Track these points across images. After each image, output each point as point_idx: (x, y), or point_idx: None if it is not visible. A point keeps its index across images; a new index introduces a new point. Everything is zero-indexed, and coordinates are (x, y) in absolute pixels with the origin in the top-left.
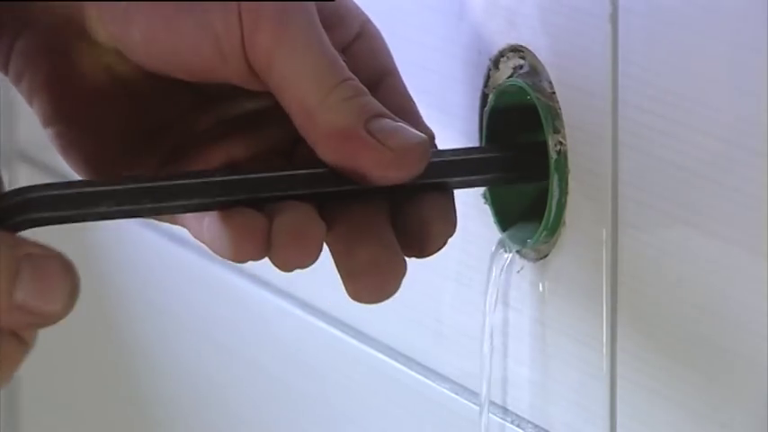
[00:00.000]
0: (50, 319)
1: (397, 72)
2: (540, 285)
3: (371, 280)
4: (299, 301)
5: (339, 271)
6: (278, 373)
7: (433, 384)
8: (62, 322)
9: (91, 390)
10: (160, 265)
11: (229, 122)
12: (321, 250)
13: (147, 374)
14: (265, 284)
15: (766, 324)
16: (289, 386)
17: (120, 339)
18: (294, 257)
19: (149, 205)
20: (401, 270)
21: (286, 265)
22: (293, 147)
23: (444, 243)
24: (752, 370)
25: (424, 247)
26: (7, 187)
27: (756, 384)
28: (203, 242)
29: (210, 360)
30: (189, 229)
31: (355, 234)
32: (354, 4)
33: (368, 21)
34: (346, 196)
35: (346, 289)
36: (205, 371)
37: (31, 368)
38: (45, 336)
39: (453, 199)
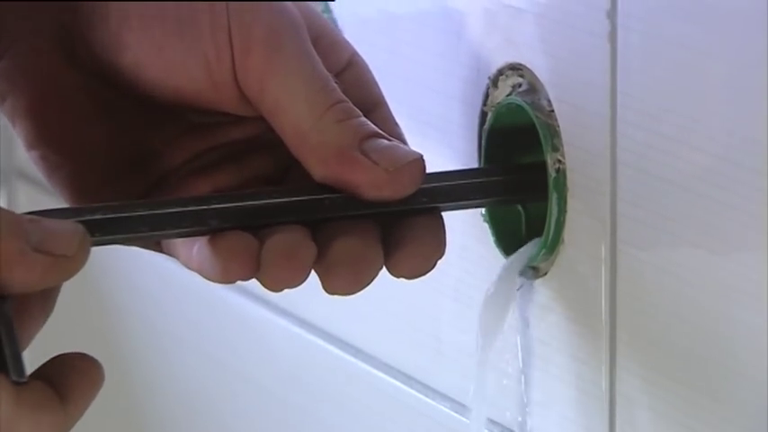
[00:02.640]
0: (67, 266)
1: (386, 103)
2: (539, 303)
3: (344, 268)
4: (298, 319)
5: (316, 269)
6: (277, 391)
7: (432, 402)
8: (61, 338)
9: (90, 409)
10: (159, 282)
11: (216, 151)
12: (310, 271)
13: (145, 391)
14: (264, 302)
15: (766, 342)
16: (288, 404)
17: (119, 357)
18: (283, 277)
19: (146, 233)
20: (377, 263)
21: (275, 285)
22: (281, 176)
23: (434, 264)
24: (752, 388)
25: (414, 268)
26: (6, 206)
27: (756, 402)
28: (192, 268)
29: (209, 377)
30: (178, 257)
31: (336, 234)
32: (342, 35)
33: (355, 53)
34: (341, 220)
35: (322, 283)
36: (204, 388)
37: None
38: (44, 349)
39: (443, 222)
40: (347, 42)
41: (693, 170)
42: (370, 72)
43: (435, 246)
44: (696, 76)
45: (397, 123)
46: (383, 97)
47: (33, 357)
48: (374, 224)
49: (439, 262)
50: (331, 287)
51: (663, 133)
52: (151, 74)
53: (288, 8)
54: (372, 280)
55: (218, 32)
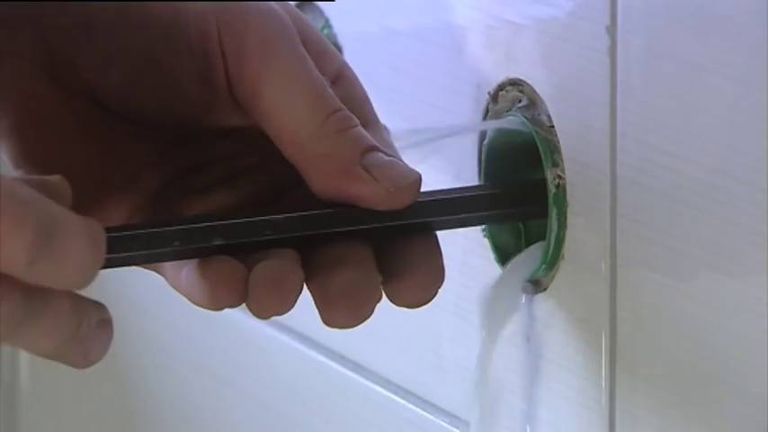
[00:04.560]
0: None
1: (379, 120)
2: (539, 319)
3: (345, 302)
4: (297, 334)
5: (315, 299)
6: (276, 406)
7: (432, 417)
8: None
9: (90, 422)
10: (157, 295)
11: (207, 171)
12: (298, 298)
13: (143, 404)
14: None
15: (767, 358)
16: (286, 418)
17: (117, 369)
18: (271, 304)
19: (142, 252)
20: (376, 294)
21: (262, 311)
22: (276, 196)
23: (435, 293)
24: (752, 404)
25: (415, 298)
26: None
27: (757, 419)
28: (180, 291)
29: (208, 392)
30: (166, 278)
31: (333, 264)
32: (331, 46)
33: (345, 65)
34: (334, 238)
35: (321, 315)
36: (203, 403)
37: (31, 399)
38: (45, 371)
39: (440, 249)
40: (336, 52)
41: (694, 185)
42: (361, 86)
43: (435, 274)
44: (696, 90)
45: (392, 143)
46: (376, 116)
47: (33, 365)
48: (369, 249)
49: None
50: (330, 321)
51: (663, 148)
52: (140, 89)
53: (278, 13)
54: (371, 314)
55: (208, 43)
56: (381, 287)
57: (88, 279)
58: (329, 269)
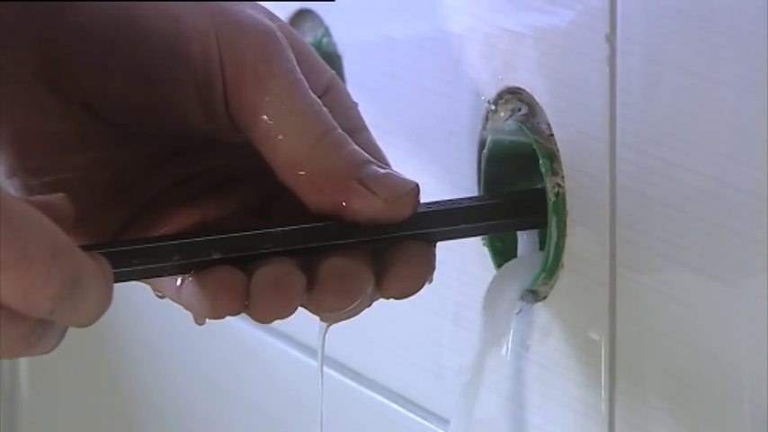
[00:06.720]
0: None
1: (367, 127)
2: (539, 327)
3: (334, 284)
4: (297, 343)
5: (306, 293)
6: (275, 414)
7: (432, 426)
8: (57, 355)
9: (88, 428)
10: (158, 306)
11: (199, 180)
12: (300, 301)
13: (144, 414)
14: (264, 326)
15: (766, 366)
16: (286, 427)
17: (116, 376)
18: (273, 309)
19: (140, 267)
20: (366, 280)
21: (265, 317)
22: (267, 206)
23: (422, 285)
24: (752, 412)
25: (403, 289)
26: None
27: (756, 426)
28: (180, 303)
29: (207, 400)
30: (164, 292)
31: (326, 256)
32: (320, 59)
33: (334, 76)
34: (333, 249)
35: (311, 301)
36: (201, 410)
37: (30, 406)
38: (40, 363)
39: (433, 245)
40: (325, 65)
41: (693, 194)
42: (349, 96)
43: (424, 267)
44: (695, 99)
45: (378, 147)
46: (363, 121)
47: (33, 371)
48: (365, 249)
49: (438, 286)
50: (320, 305)
51: (662, 157)
52: (138, 102)
53: (276, 34)
54: (361, 299)
55: (209, 62)
56: (373, 279)
57: (99, 318)
58: (320, 261)
